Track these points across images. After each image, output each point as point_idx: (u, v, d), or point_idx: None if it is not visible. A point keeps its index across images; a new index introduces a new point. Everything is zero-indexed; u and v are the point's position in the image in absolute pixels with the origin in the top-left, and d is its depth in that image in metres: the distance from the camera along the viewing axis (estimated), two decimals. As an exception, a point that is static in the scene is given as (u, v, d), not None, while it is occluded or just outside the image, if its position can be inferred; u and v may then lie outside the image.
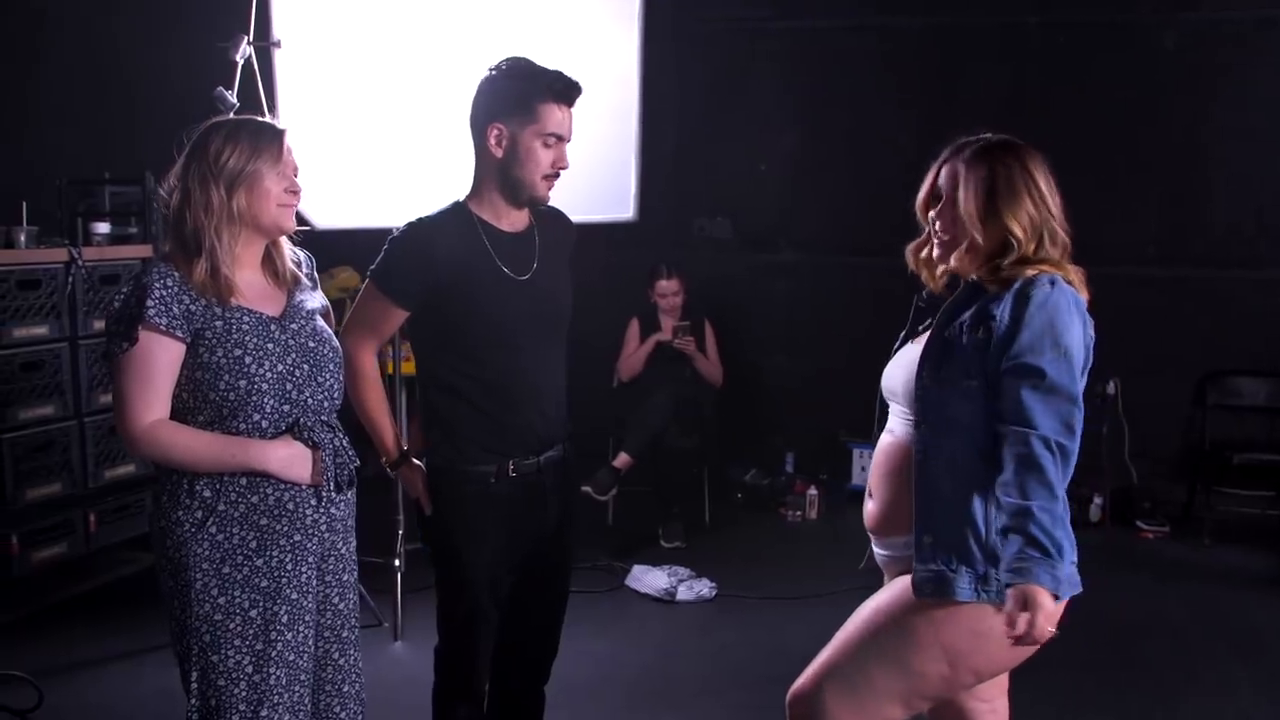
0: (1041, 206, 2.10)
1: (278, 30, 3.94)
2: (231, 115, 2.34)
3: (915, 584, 2.08)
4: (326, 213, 4.08)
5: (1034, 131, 2.32)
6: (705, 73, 6.27)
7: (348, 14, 4.06)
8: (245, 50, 3.87)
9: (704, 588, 4.70)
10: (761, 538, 5.62)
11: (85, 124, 5.39)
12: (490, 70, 2.50)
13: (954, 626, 2.08)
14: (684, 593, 4.67)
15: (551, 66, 2.49)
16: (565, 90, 2.46)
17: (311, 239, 2.58)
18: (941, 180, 2.17)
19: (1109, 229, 5.57)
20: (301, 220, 4.44)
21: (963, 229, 2.11)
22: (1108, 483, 5.56)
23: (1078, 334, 2.01)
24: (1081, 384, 2.03)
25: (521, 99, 2.45)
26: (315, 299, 2.45)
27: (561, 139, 2.47)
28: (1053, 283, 2.02)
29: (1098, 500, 5.59)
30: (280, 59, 3.97)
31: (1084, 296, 2.09)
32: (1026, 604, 1.90)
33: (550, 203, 2.63)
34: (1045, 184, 2.12)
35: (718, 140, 6.33)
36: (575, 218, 4.01)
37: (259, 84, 3.96)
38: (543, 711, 2.85)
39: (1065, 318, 2.00)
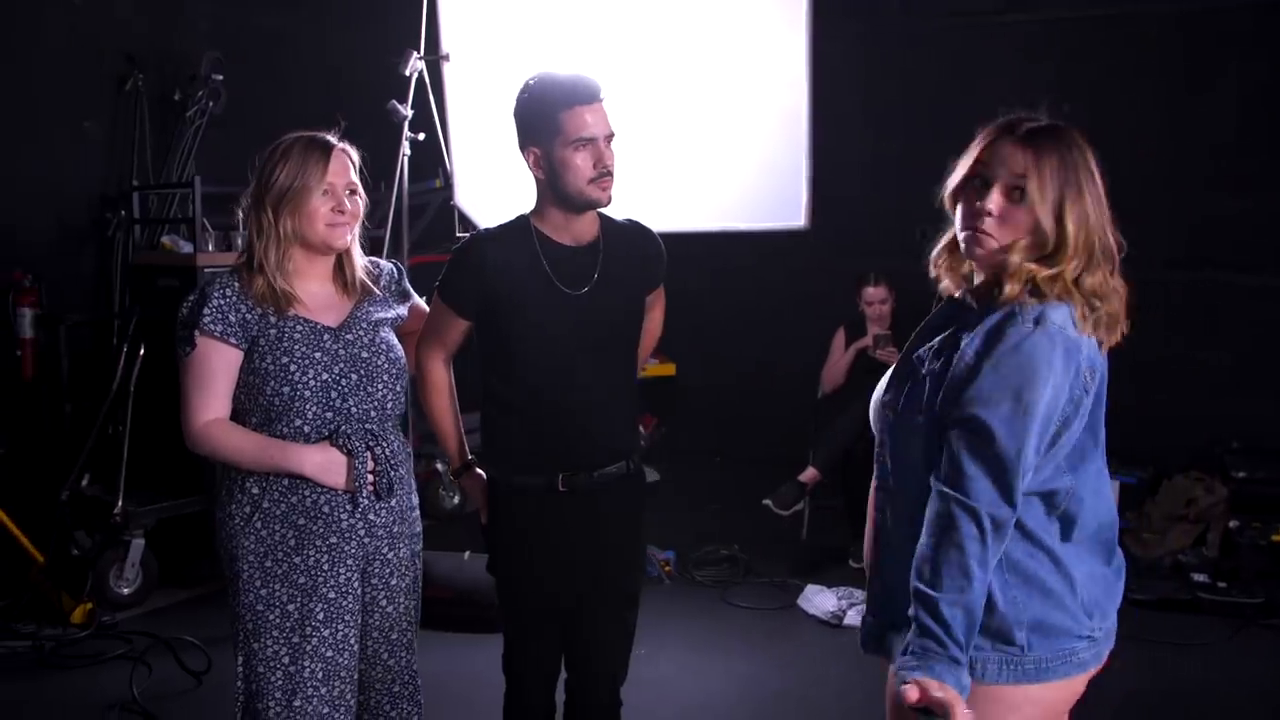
0: (1098, 210, 1.80)
1: (446, 44, 4.09)
2: (302, 132, 2.40)
3: (861, 633, 1.93)
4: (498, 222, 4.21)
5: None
6: (932, 72, 5.98)
7: (514, 25, 4.16)
8: (416, 65, 4.04)
9: (876, 614, 4.48)
10: (960, 565, 5.29)
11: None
12: (517, 96, 2.49)
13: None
14: (853, 617, 4.47)
15: (570, 73, 2.45)
16: (581, 91, 2.41)
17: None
18: (991, 164, 1.84)
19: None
20: (475, 228, 4.65)
21: (1016, 226, 1.79)
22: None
23: (1051, 388, 1.70)
24: (1068, 439, 1.76)
25: (543, 117, 2.42)
26: (390, 310, 2.52)
27: (593, 140, 2.41)
28: (1038, 320, 1.73)
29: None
30: (449, 72, 4.12)
31: (1100, 334, 1.80)
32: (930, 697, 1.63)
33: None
34: (1102, 184, 1.82)
35: (944, 141, 6.00)
36: (740, 225, 3.94)
37: (430, 96, 4.13)
38: None
39: (1040, 367, 1.70)
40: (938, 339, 1.86)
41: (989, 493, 1.68)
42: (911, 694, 1.62)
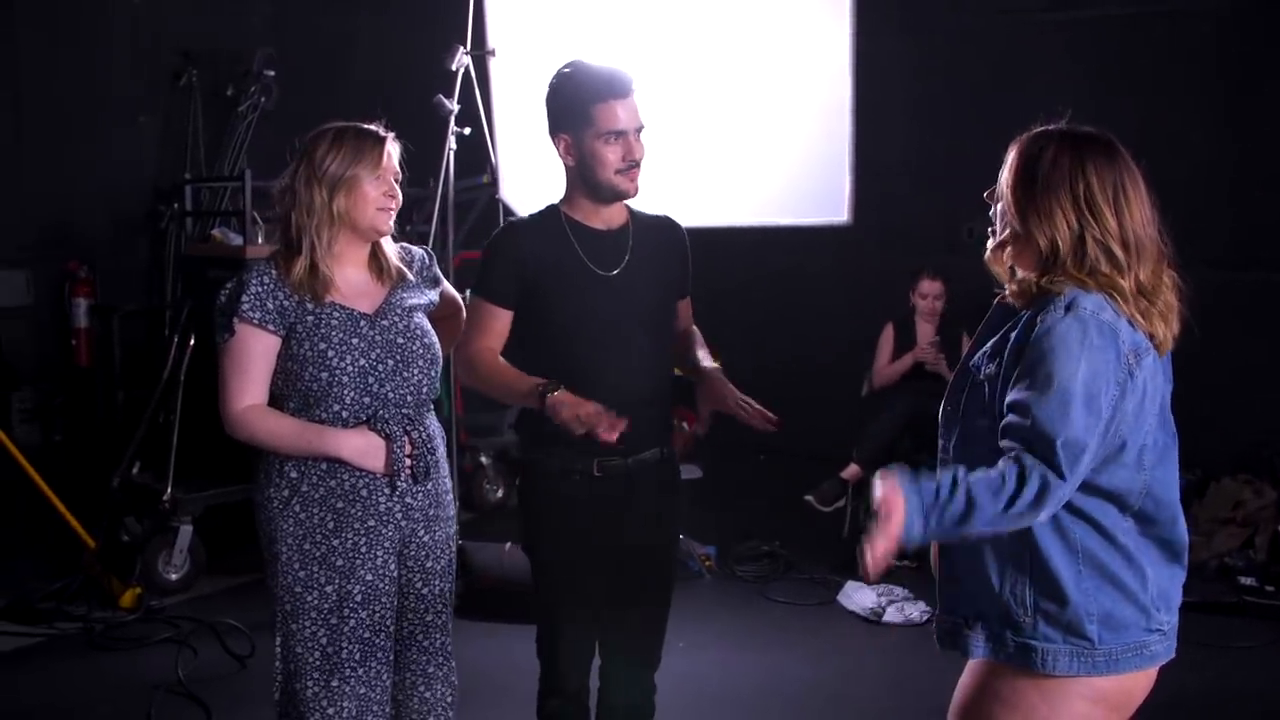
0: (1090, 217, 1.79)
1: (492, 39, 4.13)
2: (341, 123, 2.45)
3: (935, 632, 1.95)
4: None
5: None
6: (979, 69, 5.94)
7: (558, 20, 4.20)
8: (462, 60, 4.09)
9: (916, 611, 4.46)
10: (1004, 565, 5.24)
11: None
12: (550, 83, 2.53)
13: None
14: (892, 614, 4.45)
15: (604, 65, 2.48)
16: (615, 85, 2.45)
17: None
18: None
19: None
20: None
21: (1005, 223, 1.89)
22: None
23: (1085, 366, 1.73)
24: (1137, 437, 1.80)
25: (576, 107, 2.46)
26: (423, 296, 2.56)
27: (624, 134, 2.45)
28: (1069, 306, 1.76)
29: None
30: (495, 67, 4.16)
31: (1153, 328, 1.81)
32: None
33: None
34: (1105, 192, 1.80)
35: (990, 139, 5.95)
36: (784, 220, 3.95)
37: (476, 91, 4.18)
38: None
39: (1071, 349, 1.73)
40: (990, 343, 1.89)
41: (1028, 456, 1.72)
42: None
